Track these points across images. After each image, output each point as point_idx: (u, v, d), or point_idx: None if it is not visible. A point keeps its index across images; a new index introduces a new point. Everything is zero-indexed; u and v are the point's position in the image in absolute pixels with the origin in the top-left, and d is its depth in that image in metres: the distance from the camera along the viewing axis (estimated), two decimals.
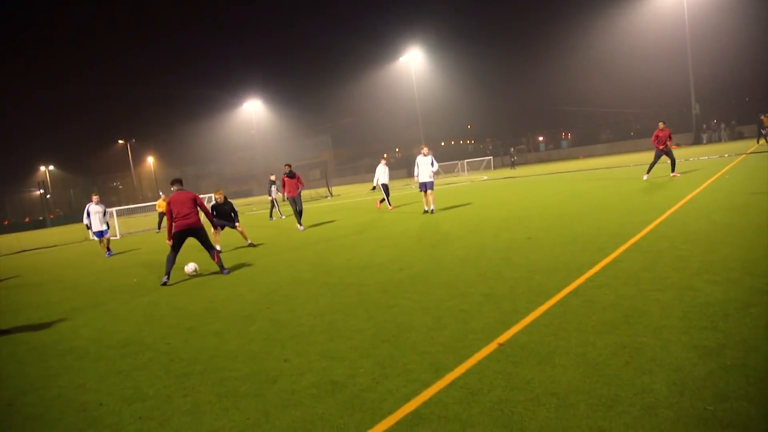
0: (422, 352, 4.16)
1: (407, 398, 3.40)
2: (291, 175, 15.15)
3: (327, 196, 33.51)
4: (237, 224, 12.49)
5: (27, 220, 60.43)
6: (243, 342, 5.06)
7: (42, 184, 75.13)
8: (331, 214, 19.35)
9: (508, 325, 4.54)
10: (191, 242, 9.28)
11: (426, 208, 15.15)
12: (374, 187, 18.55)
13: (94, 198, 15.12)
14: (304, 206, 16.33)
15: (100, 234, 14.80)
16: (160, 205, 20.70)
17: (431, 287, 6.25)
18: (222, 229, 12.29)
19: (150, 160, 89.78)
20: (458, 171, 50.24)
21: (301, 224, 14.92)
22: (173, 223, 8.87)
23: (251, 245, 12.50)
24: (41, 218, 60.75)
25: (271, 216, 20.69)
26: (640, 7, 50.86)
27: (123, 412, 3.78)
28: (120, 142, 79.94)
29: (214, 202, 12.65)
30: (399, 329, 4.81)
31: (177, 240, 8.95)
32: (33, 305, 8.51)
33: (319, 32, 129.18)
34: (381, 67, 70.99)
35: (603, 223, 9.28)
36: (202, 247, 9.22)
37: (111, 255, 14.63)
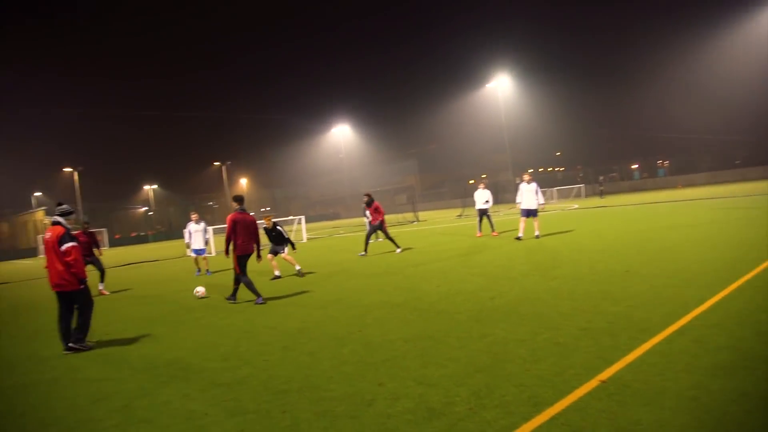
0: (519, 384, 4.07)
1: (506, 431, 3.34)
2: (369, 203, 15.50)
3: (413, 221, 33.62)
4: (284, 251, 12.36)
5: (133, 234, 64.92)
6: (337, 363, 5.16)
7: (146, 202, 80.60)
8: (418, 240, 19.41)
9: (609, 362, 4.36)
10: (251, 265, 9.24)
11: (520, 234, 14.89)
12: (460, 214, 18.39)
13: (194, 216, 15.69)
14: (391, 231, 16.38)
15: (199, 252, 15.49)
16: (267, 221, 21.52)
17: (524, 318, 6.11)
18: (276, 254, 12.39)
19: (243, 182, 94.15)
20: (548, 199, 49.02)
21: (398, 246, 15.29)
22: (237, 245, 8.93)
23: (299, 274, 12.28)
24: (144, 234, 65.14)
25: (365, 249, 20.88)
26: (741, 30, 48.05)
27: (226, 424, 3.96)
28: (216, 163, 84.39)
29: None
30: (493, 359, 4.73)
31: (243, 264, 9.02)
32: (140, 317, 9.10)
33: (407, 58, 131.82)
34: (468, 93, 71.13)
35: (709, 258, 8.73)
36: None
37: (209, 274, 15.13)
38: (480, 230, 17.76)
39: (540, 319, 6.00)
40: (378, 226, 15.19)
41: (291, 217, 32.83)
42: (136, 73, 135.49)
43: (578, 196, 50.78)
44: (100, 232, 55.07)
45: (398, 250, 15.13)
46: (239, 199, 9.42)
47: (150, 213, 78.47)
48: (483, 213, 17.65)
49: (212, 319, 8.18)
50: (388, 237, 15.29)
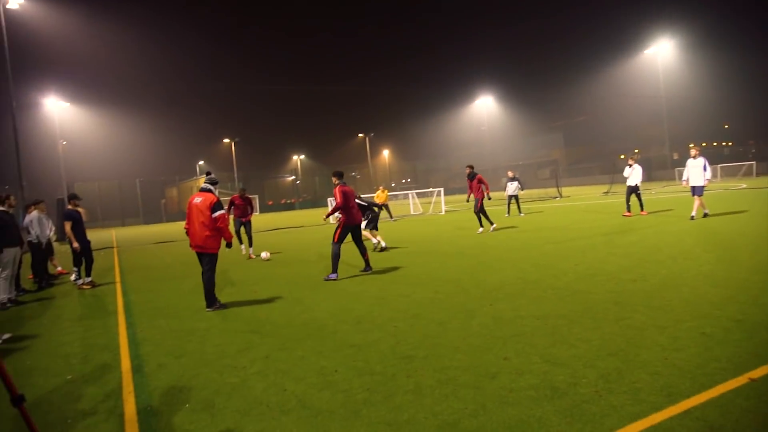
0: (653, 373, 3.85)
1: (633, 418, 3.20)
2: (471, 176, 15.40)
3: (556, 197, 32.36)
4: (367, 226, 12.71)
5: (282, 201, 69.59)
6: (464, 335, 5.23)
7: (294, 171, 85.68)
8: (560, 216, 18.70)
9: (764, 359, 3.96)
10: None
11: (693, 214, 13.81)
12: (607, 191, 17.34)
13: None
14: (531, 206, 15.95)
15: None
16: (379, 196, 22.17)
17: (668, 304, 5.71)
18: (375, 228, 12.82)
19: (385, 153, 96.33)
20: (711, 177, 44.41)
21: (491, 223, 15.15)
22: (349, 214, 9.18)
23: (382, 249, 12.68)
24: (291, 201, 69.57)
25: (507, 212, 20.81)
26: None
27: (354, 381, 4.21)
28: (360, 135, 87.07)
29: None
30: (628, 344, 4.51)
31: (345, 234, 9.14)
32: (284, 279, 9.83)
33: (555, 27, 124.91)
34: (621, 61, 66.00)
35: None
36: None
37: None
38: (628, 209, 16.66)
39: (686, 306, 5.58)
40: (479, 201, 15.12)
41: (430, 189, 33.17)
42: (288, 48, 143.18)
43: (748, 174, 45.42)
44: (253, 198, 59.90)
45: (480, 230, 15.11)
46: (339, 174, 9.60)
47: (297, 182, 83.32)
48: (633, 190, 16.53)
49: (348, 284, 8.61)
50: (481, 213, 15.09)
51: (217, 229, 7.35)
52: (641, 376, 3.80)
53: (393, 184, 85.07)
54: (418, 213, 27.56)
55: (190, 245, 7.58)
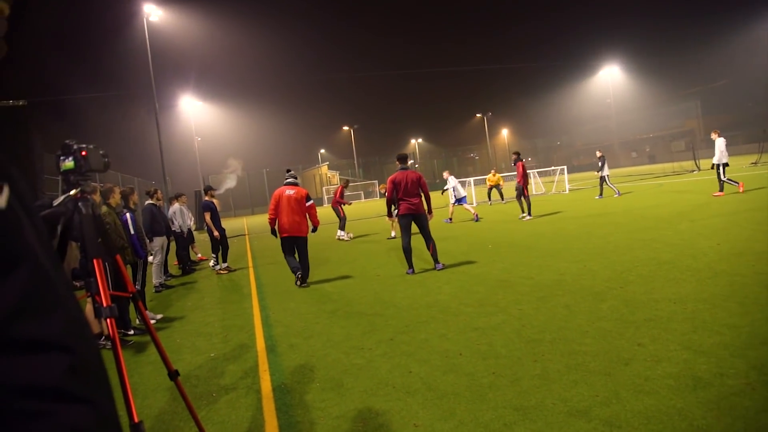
0: None
1: None
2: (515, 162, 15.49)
3: (693, 170, 29.82)
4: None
5: None
6: (593, 319, 4.99)
7: (412, 155, 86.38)
8: (698, 192, 17.22)
9: None
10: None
11: None
12: (755, 161, 15.52)
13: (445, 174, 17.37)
14: (664, 180, 14.75)
15: (460, 201, 16.49)
16: (490, 179, 21.70)
17: None
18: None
19: (504, 133, 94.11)
20: None
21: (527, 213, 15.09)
22: (400, 204, 8.46)
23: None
24: None
25: (601, 194, 19.45)
26: None
27: (478, 365, 4.18)
28: (477, 115, 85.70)
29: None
30: None
31: (405, 224, 8.48)
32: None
33: None
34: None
35: None
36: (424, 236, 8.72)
37: (477, 220, 16.25)
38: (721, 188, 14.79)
39: None
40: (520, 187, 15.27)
41: (552, 168, 31.92)
42: (403, 33, 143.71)
43: None
44: (372, 184, 61.33)
45: (521, 216, 15.07)
46: (401, 158, 8.88)
47: (416, 165, 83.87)
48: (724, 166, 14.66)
49: (470, 267, 8.54)
50: (519, 198, 15.37)
51: (311, 216, 8.58)
52: None
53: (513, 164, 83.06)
54: (540, 193, 26.70)
55: (282, 232, 8.56)
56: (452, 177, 16.89)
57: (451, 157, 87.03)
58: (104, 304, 1.97)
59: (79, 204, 2.08)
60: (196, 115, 56.50)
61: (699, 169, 30.02)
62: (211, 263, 12.07)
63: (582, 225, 12.04)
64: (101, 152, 2.17)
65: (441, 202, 26.76)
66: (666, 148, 68.13)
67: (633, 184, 25.65)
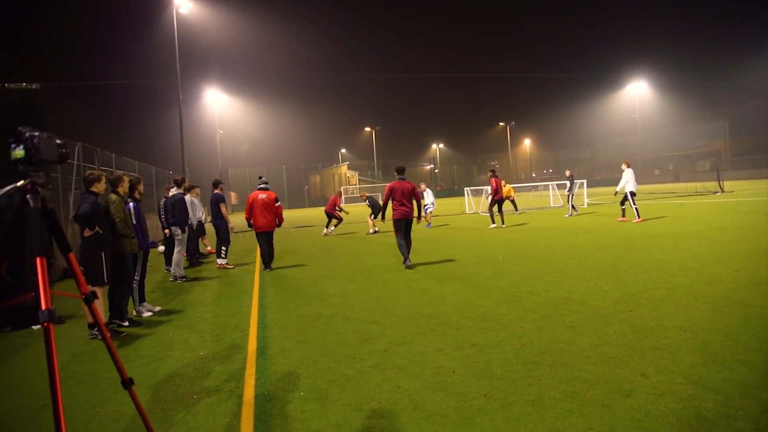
0: None
1: None
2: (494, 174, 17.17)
3: (716, 192, 29.16)
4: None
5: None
6: (598, 343, 4.75)
7: (432, 160, 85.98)
8: (719, 213, 16.75)
9: None
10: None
11: None
12: None
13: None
14: (684, 200, 14.43)
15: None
16: (508, 191, 21.40)
17: None
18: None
19: (526, 143, 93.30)
20: None
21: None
22: (394, 209, 9.77)
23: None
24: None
25: (571, 212, 19.58)
26: None
27: (471, 385, 3.97)
28: (501, 124, 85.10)
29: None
30: None
31: (399, 227, 9.78)
32: (414, 269, 9.76)
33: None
34: None
35: None
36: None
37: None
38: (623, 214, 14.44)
39: None
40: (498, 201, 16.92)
41: (576, 181, 31.33)
42: (430, 38, 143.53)
43: None
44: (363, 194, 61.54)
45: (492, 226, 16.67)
46: (399, 170, 10.24)
47: (436, 170, 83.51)
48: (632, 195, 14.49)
49: (478, 278, 8.32)
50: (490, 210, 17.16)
51: (278, 215, 10.77)
52: None
53: (534, 174, 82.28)
54: (558, 205, 26.28)
55: (256, 228, 10.65)
56: (429, 190, 19.30)
57: (472, 164, 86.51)
58: (42, 307, 1.80)
59: (27, 197, 1.92)
60: (219, 107, 56.89)
61: (723, 191, 29.35)
62: (219, 260, 11.98)
63: (597, 241, 11.73)
64: (58, 142, 2.01)
65: (443, 210, 26.56)
66: (690, 167, 66.99)
67: (654, 201, 25.13)
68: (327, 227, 18.46)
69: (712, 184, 32.79)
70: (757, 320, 5.10)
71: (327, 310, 6.80)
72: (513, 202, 22.26)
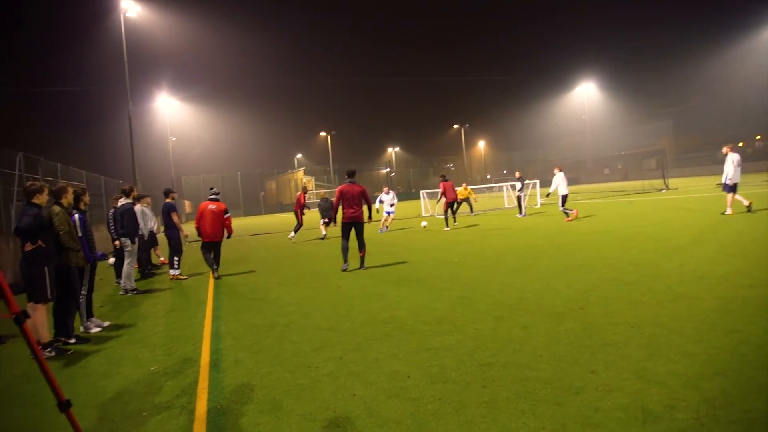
0: None
1: None
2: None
3: (662, 189, 30.21)
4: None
5: (375, 194, 70.42)
6: (550, 341, 4.84)
7: (388, 164, 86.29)
8: (665, 210, 17.37)
9: None
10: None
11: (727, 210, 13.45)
12: (720, 182, 15.69)
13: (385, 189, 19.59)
14: (635, 198, 14.90)
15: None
16: (461, 192, 21.58)
17: None
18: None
19: (480, 144, 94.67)
20: None
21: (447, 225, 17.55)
22: (344, 212, 9.91)
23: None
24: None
25: (521, 212, 20.39)
26: None
27: (426, 389, 3.98)
28: (455, 126, 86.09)
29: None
30: (740, 362, 3.94)
31: (345, 230, 9.97)
32: (369, 272, 9.76)
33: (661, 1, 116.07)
34: (741, 38, 60.57)
35: None
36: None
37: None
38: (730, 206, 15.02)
39: None
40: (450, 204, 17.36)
41: (527, 181, 31.97)
42: (383, 41, 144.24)
43: None
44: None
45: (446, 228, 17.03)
46: (349, 173, 10.29)
47: (392, 174, 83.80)
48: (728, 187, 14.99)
49: (434, 281, 8.38)
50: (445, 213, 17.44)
51: (226, 226, 10.82)
52: (755, 404, 3.28)
53: (489, 176, 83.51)
54: (512, 206, 26.72)
55: (204, 237, 10.68)
56: (384, 194, 19.53)
57: (427, 166, 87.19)
58: None
59: None
60: (171, 114, 55.67)
61: (668, 188, 30.44)
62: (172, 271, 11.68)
63: (550, 240, 11.99)
64: None
65: (400, 214, 26.70)
66: (638, 165, 69.27)
67: (605, 200, 25.86)
68: (295, 231, 18.12)
69: (659, 182, 33.96)
70: (698, 312, 5.30)
71: (282, 319, 6.72)
72: (470, 203, 22.49)
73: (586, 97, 76.71)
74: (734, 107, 71.16)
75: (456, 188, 19.86)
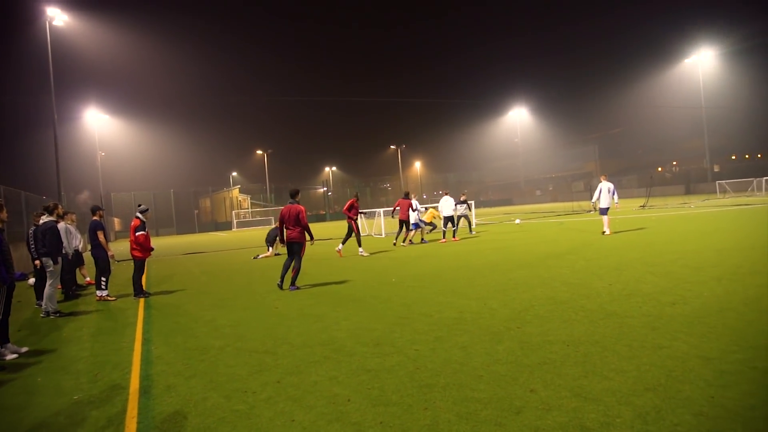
0: (697, 413, 3.45)
1: None
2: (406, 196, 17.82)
3: (590, 210, 31.54)
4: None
5: (310, 214, 70.07)
6: (489, 361, 4.88)
7: (325, 183, 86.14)
8: (593, 231, 18.08)
9: None
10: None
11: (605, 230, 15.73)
12: (643, 204, 16.73)
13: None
14: (565, 219, 15.53)
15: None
16: (428, 217, 21.42)
17: (712, 331, 5.25)
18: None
19: (417, 165, 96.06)
20: (752, 190, 42.85)
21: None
22: (283, 232, 10.05)
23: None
24: (323, 212, 69.84)
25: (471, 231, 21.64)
26: None
27: (367, 413, 3.91)
28: (392, 147, 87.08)
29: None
30: (668, 378, 4.10)
31: (287, 249, 10.14)
32: (307, 293, 9.60)
33: (588, 34, 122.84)
34: (660, 71, 64.73)
35: None
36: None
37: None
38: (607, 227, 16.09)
39: (733, 334, 5.11)
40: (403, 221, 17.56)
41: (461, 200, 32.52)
42: (320, 64, 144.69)
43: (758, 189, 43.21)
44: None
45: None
46: (291, 193, 10.38)
47: (329, 193, 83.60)
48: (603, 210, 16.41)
49: (373, 301, 8.33)
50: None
51: (139, 244, 10.67)
52: (684, 417, 3.40)
53: (425, 196, 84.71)
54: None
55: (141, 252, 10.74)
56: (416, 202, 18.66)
57: (365, 186, 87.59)
58: None
59: None
60: (101, 128, 53.50)
61: (596, 210, 31.76)
62: (99, 292, 11.09)
63: (486, 260, 12.20)
64: None
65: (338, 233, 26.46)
66: (567, 187, 72.10)
67: (537, 221, 26.68)
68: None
69: (587, 204, 35.42)
70: (628, 330, 5.49)
71: (217, 341, 6.47)
72: (432, 224, 22.17)
73: (518, 121, 79.49)
74: (655, 134, 75.66)
75: (424, 208, 21.18)
